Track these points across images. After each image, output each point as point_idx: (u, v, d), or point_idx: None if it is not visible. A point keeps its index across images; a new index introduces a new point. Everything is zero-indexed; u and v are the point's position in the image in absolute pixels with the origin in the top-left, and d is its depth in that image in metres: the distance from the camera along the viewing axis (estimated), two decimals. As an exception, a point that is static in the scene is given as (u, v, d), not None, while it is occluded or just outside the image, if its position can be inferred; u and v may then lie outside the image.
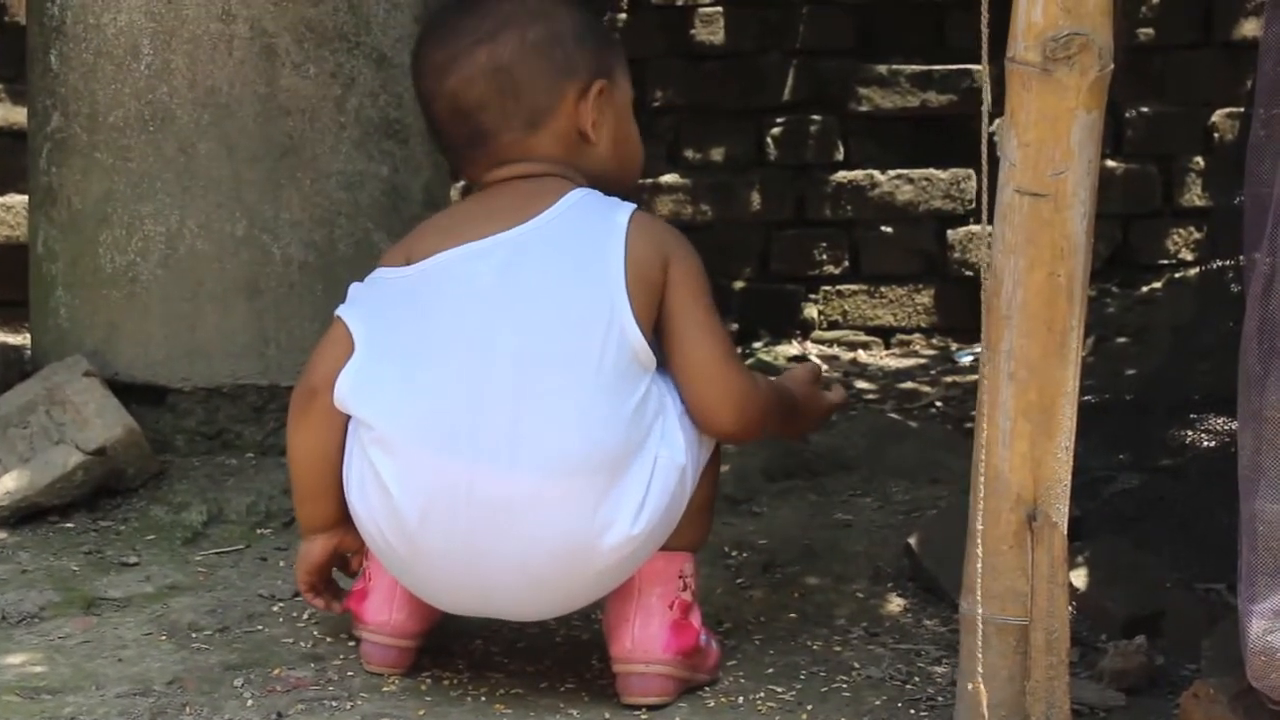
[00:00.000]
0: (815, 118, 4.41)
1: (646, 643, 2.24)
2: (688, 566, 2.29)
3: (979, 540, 2.07)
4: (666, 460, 2.19)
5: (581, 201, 2.25)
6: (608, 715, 2.23)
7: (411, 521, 2.17)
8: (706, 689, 2.31)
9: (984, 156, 1.99)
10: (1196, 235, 4.39)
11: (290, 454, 2.33)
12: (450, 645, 2.41)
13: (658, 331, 2.23)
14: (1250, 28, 4.21)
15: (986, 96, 2.01)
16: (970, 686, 2.06)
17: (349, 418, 2.23)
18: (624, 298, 2.17)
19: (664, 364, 2.24)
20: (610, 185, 2.32)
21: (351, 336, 2.24)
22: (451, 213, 2.34)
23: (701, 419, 2.23)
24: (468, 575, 2.19)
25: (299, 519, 2.38)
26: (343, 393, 2.22)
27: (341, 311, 2.28)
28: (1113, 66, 2.01)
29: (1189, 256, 4.41)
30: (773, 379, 2.42)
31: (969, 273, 4.36)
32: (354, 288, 2.31)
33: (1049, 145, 2.00)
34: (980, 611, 2.08)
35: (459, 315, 2.19)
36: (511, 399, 2.15)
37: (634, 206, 2.25)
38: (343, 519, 2.30)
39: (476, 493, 2.15)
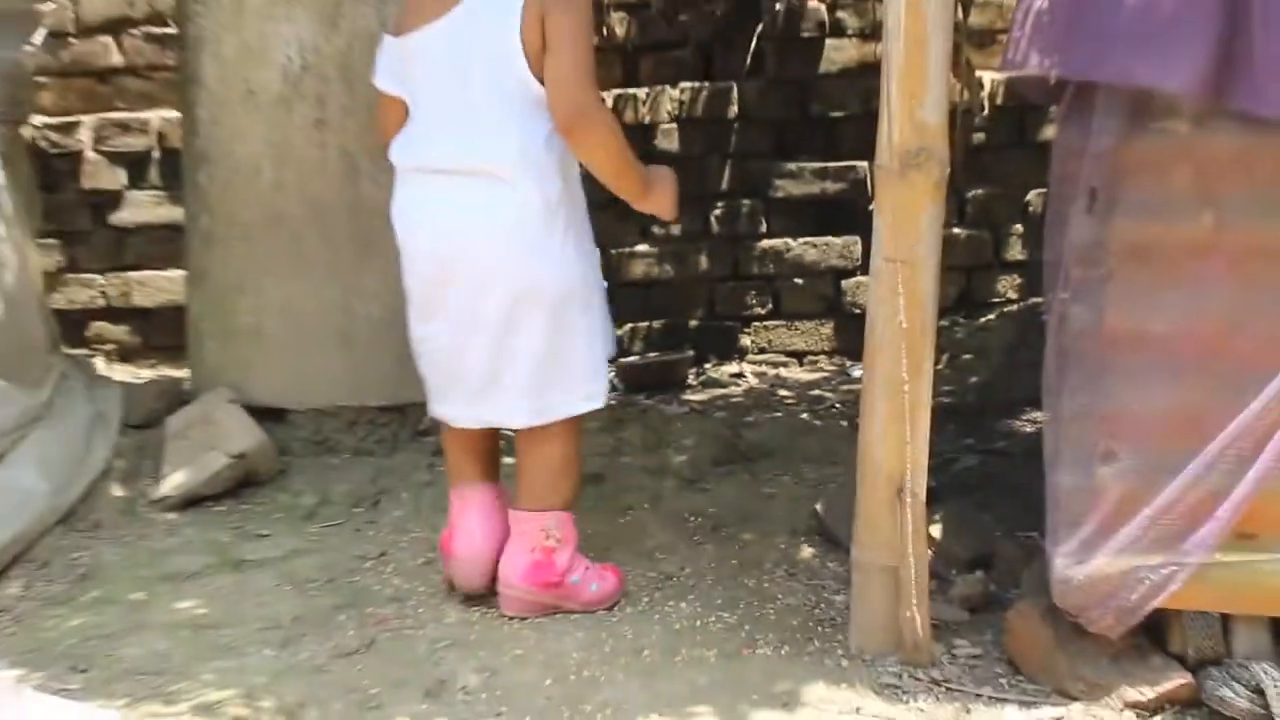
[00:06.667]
0: (745, 202, 4.38)
1: (509, 573, 2.30)
2: (550, 522, 2.31)
3: (863, 507, 2.11)
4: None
5: None
6: (605, 635, 2.25)
7: (411, 214, 2.25)
8: (677, 616, 2.31)
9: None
10: (1018, 281, 4.38)
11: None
12: (489, 599, 2.42)
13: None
14: (1051, 131, 4.22)
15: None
16: (908, 614, 2.07)
17: None
18: (522, 59, 2.16)
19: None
20: None
21: (400, 99, 2.27)
22: None
23: (551, 114, 2.19)
24: (443, 245, 2.22)
25: None
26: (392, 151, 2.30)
27: (380, 84, 2.30)
28: (949, 169, 2.02)
29: (1014, 296, 4.40)
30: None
31: (858, 311, 4.34)
32: (377, 57, 2.31)
33: (906, 226, 2.02)
34: (866, 557, 2.12)
35: (430, 78, 2.23)
36: (466, 123, 2.19)
37: None
38: None
39: (445, 178, 2.21)
